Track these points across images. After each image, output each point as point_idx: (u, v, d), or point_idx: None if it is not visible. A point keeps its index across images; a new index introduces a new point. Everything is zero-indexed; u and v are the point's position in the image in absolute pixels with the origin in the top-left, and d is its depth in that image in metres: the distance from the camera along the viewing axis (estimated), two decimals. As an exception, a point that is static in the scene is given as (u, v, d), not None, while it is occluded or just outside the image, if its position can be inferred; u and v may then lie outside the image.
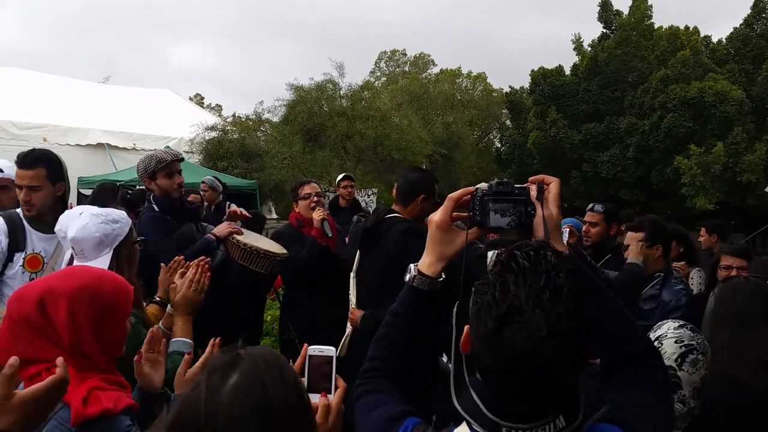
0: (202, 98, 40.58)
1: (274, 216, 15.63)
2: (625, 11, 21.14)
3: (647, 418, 1.14)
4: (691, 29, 20.74)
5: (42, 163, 2.95)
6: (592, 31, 35.56)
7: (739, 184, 17.23)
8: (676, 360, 1.84)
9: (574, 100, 21.14)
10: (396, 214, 3.42)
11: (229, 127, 16.95)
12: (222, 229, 3.78)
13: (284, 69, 66.50)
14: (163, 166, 3.67)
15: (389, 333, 1.41)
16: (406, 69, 35.27)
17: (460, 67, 32.84)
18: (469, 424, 1.08)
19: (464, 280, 1.25)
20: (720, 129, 17.93)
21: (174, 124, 16.36)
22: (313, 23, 68.03)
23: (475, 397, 1.07)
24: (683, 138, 17.97)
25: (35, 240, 2.98)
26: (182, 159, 3.94)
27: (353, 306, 3.54)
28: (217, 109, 38.08)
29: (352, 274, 3.59)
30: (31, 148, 3.09)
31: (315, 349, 1.40)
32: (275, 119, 18.56)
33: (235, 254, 3.66)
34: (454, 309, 1.22)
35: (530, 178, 1.39)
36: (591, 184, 20.39)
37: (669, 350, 1.88)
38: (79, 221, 2.31)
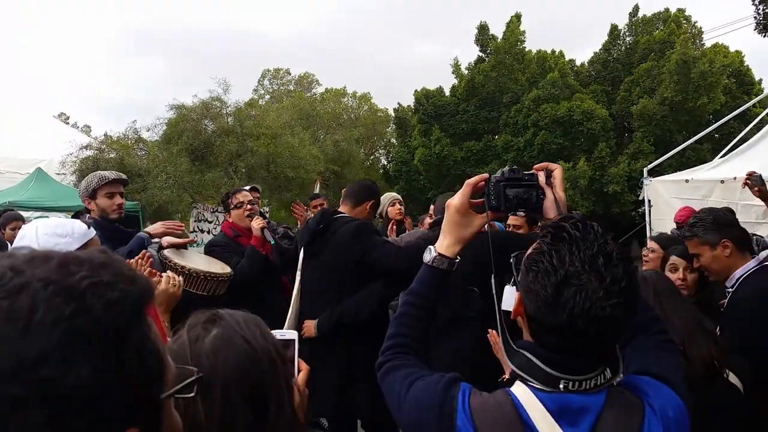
0: (68, 117, 37.79)
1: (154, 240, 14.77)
2: (500, 36, 22.48)
3: (672, 371, 1.28)
4: (557, 53, 22.49)
5: None
6: (470, 53, 37.41)
7: (606, 194, 18.81)
8: None
9: (455, 120, 22.13)
10: (343, 214, 3.48)
11: (104, 146, 15.90)
12: (156, 227, 3.58)
13: (154, 87, 63.50)
14: (105, 184, 3.50)
15: (410, 311, 1.46)
16: (291, 88, 35.10)
17: (345, 87, 33.26)
18: (524, 381, 1.17)
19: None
20: (587, 144, 19.53)
21: (42, 145, 15.09)
22: (186, 40, 65.93)
23: (530, 356, 1.17)
24: (555, 153, 19.35)
25: None
26: (127, 182, 3.74)
27: (293, 309, 3.44)
28: (85, 129, 35.62)
29: (297, 275, 3.50)
30: None
31: (277, 333, 1.39)
32: (155, 138, 17.67)
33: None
34: (492, 281, 1.32)
35: (535, 166, 1.55)
36: (474, 199, 21.33)
37: None
38: (26, 233, 2.09)
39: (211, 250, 4.20)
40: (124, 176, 3.73)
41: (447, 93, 23.25)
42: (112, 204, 3.51)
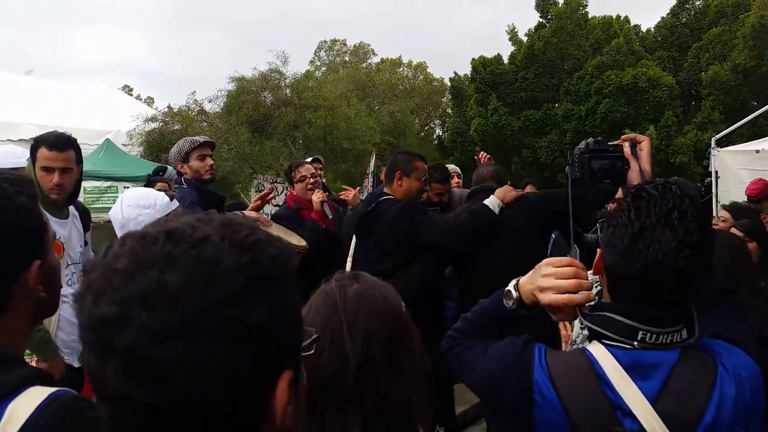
0: (131, 90, 39.05)
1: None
2: (561, 1, 21.74)
3: (745, 336, 1.32)
4: (622, 18, 21.59)
5: (72, 146, 2.93)
6: (526, 20, 36.36)
7: (672, 165, 18.13)
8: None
9: (513, 88, 21.65)
10: (388, 196, 3.57)
11: (169, 118, 16.39)
12: (251, 214, 3.80)
13: (212, 60, 64.56)
14: (196, 147, 3.71)
15: (476, 321, 1.49)
16: (347, 59, 35.05)
17: (400, 57, 32.97)
18: (600, 340, 1.24)
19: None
20: (652, 113, 18.82)
21: (109, 117, 15.67)
22: (243, 13, 66.56)
23: (607, 313, 1.23)
24: (618, 123, 18.71)
25: (54, 226, 2.85)
26: (214, 145, 3.97)
27: None
28: (148, 101, 36.78)
29: (348, 260, 3.60)
30: (54, 131, 3.01)
31: None
32: (216, 110, 18.08)
33: None
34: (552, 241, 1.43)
35: (623, 137, 1.57)
36: (530, 169, 20.97)
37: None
38: (116, 203, 2.25)
39: (275, 221, 4.36)
40: (211, 140, 3.97)
41: (505, 61, 22.75)
42: (204, 165, 3.73)
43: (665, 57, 20.18)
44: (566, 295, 1.26)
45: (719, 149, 8.70)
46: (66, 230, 2.91)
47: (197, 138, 3.82)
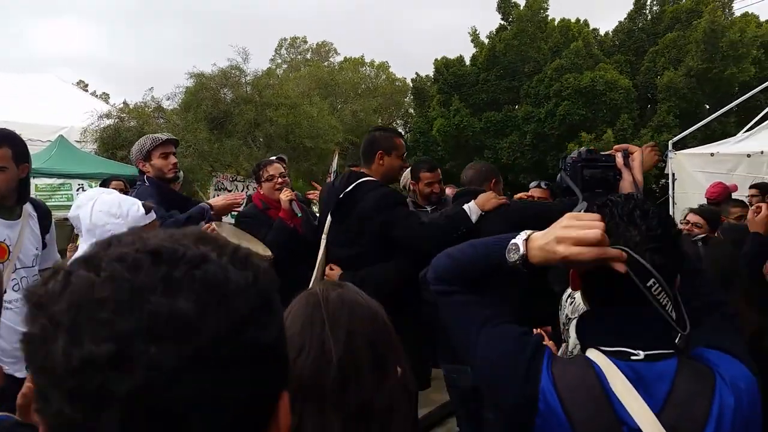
0: (86, 85, 37.91)
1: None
2: (522, 3, 22.00)
3: (741, 347, 1.31)
4: (581, 22, 22.00)
5: (7, 142, 2.71)
6: (488, 22, 36.78)
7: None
8: None
9: (475, 90, 21.81)
10: (367, 177, 3.40)
11: (125, 114, 15.97)
12: (218, 200, 3.65)
13: (172, 57, 63.39)
14: (159, 145, 3.57)
15: (466, 266, 1.35)
16: (308, 57, 34.82)
17: (363, 56, 32.92)
18: (597, 348, 1.24)
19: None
20: (609, 116, 19.21)
21: (63, 112, 15.18)
22: (202, 10, 65.43)
23: (597, 322, 1.27)
24: (576, 125, 19.06)
25: None
26: (178, 142, 3.82)
27: (317, 274, 3.42)
28: (104, 97, 35.74)
29: (323, 237, 3.48)
30: None
31: None
32: (174, 106, 17.69)
33: None
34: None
35: (615, 147, 1.59)
36: (493, 170, 21.16)
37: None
38: (83, 203, 2.12)
39: (241, 221, 4.24)
40: (174, 137, 3.83)
41: (467, 62, 22.90)
42: (167, 164, 3.58)
43: (622, 61, 20.64)
44: (595, 249, 1.13)
45: (676, 152, 8.91)
46: (14, 231, 2.72)
47: (159, 135, 3.68)
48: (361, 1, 65.17)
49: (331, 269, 3.40)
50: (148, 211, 2.24)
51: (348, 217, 3.36)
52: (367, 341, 1.10)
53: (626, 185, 1.53)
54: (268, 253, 3.67)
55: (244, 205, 4.72)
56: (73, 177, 10.48)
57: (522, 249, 1.22)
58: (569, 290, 2.12)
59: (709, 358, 1.24)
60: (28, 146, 4.73)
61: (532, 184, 4.29)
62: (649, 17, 21.52)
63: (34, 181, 10.08)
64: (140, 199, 3.27)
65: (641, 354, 1.17)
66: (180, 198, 3.69)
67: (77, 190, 10.02)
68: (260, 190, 4.39)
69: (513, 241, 1.24)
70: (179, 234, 0.62)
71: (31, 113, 14.21)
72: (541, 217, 2.82)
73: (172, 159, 3.62)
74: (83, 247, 2.08)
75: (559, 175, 1.56)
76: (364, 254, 3.31)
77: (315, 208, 4.97)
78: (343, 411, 1.03)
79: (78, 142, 13.60)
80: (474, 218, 3.19)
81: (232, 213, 4.65)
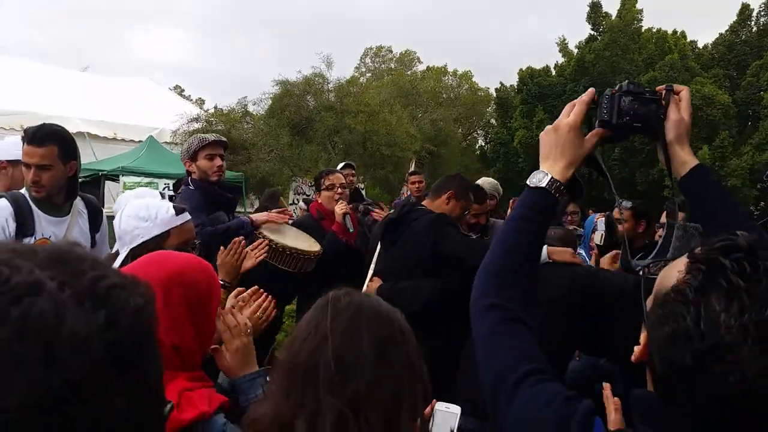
0: (182, 90, 39.92)
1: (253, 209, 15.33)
2: (614, 14, 21.19)
3: None
4: (678, 33, 20.91)
5: (54, 140, 2.69)
6: (576, 32, 35.77)
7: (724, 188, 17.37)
8: None
9: (561, 101, 21.14)
10: (422, 207, 3.35)
11: (213, 119, 16.60)
12: (261, 216, 3.61)
13: (263, 63, 65.67)
14: (205, 145, 3.51)
15: (519, 241, 1.23)
16: (392, 66, 35.00)
17: (446, 65, 32.75)
18: None
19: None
20: (706, 132, 18.09)
21: (156, 114, 15.94)
22: (293, 19, 67.45)
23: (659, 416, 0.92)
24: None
25: (44, 224, 2.72)
26: (227, 144, 3.73)
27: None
28: (199, 102, 37.52)
29: (371, 268, 3.39)
30: (43, 122, 2.81)
31: (441, 405, 1.51)
32: (260, 112, 18.25)
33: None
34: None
35: (658, 87, 1.32)
36: (575, 185, 20.44)
37: None
38: (120, 206, 2.11)
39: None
40: (224, 138, 3.73)
41: (553, 72, 22.29)
42: (212, 165, 3.50)
43: (721, 75, 19.41)
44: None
45: (779, 173, 8.20)
46: (61, 228, 2.76)
47: (207, 136, 3.59)
48: (447, 9, 65.05)
49: (372, 281, 3.29)
50: (180, 212, 2.17)
51: (396, 242, 3.24)
52: (371, 335, 1.10)
53: (671, 125, 1.27)
54: (316, 248, 3.60)
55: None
56: (159, 176, 10.92)
57: (547, 173, 1.24)
58: None
59: None
60: (120, 145, 4.88)
61: (625, 203, 3.99)
62: (755, 29, 20.13)
63: (122, 179, 10.62)
64: (185, 202, 3.28)
65: None
66: (227, 199, 3.60)
67: (163, 188, 10.42)
68: (318, 198, 4.31)
69: (532, 181, 1.25)
70: (25, 250, 0.47)
71: (125, 114, 15.04)
72: (606, 295, 2.51)
73: (218, 161, 3.52)
74: (118, 259, 2.03)
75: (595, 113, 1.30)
76: (414, 276, 3.17)
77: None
78: (340, 398, 1.04)
79: (168, 143, 14.23)
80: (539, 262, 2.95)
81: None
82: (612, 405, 1.84)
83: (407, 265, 3.17)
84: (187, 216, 2.19)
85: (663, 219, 3.72)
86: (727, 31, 20.64)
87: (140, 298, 0.48)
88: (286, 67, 70.34)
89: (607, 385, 1.96)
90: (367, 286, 3.29)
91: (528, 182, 1.26)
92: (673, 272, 0.91)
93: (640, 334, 1.00)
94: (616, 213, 3.92)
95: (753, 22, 20.30)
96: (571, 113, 1.30)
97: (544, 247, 2.94)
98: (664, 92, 1.29)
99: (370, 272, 3.37)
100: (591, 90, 1.30)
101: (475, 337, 1.15)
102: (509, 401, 1.02)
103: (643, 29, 20.97)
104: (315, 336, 1.10)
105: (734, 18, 20.44)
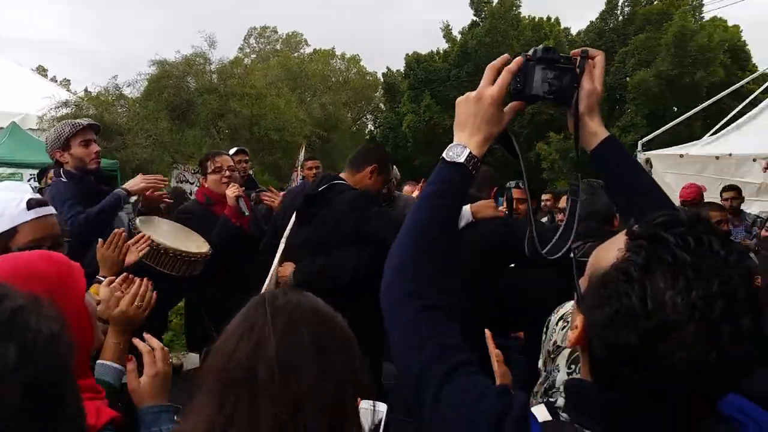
0: (45, 70, 36.66)
1: (133, 199, 14.40)
2: (495, 0, 21.94)
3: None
4: (553, 20, 22.05)
5: None
6: (462, 17, 36.76)
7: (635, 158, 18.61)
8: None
9: (446, 86, 21.68)
10: (342, 182, 3.15)
11: (84, 102, 15.39)
12: (136, 181, 3.28)
13: (137, 41, 61.76)
14: (78, 131, 3.16)
15: (437, 218, 1.13)
16: (278, 47, 34.24)
17: (333, 48, 32.48)
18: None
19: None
20: (579, 116, 19.25)
21: (18, 98, 14.52)
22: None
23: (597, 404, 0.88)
24: (545, 124, 19.07)
25: None
26: (99, 128, 3.39)
27: (273, 271, 3.11)
28: (64, 83, 34.67)
29: (282, 241, 3.18)
30: None
31: (364, 403, 1.35)
32: (136, 95, 17.15)
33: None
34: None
35: (573, 51, 1.26)
36: (462, 167, 21.13)
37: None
38: None
39: (180, 218, 3.85)
40: (96, 123, 3.41)
41: (439, 58, 22.77)
42: (89, 153, 3.20)
43: (592, 61, 20.76)
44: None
45: (645, 153, 8.85)
46: None
47: (79, 121, 3.28)
48: (334, -6, 64.63)
49: (282, 266, 3.12)
50: (35, 206, 1.88)
51: (317, 216, 3.09)
52: (312, 336, 1.03)
53: (584, 94, 1.22)
54: (205, 249, 3.35)
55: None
56: (24, 166, 9.96)
57: (465, 147, 1.17)
58: (562, 310, 1.71)
59: (733, 414, 0.92)
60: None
61: (511, 183, 4.06)
62: (621, 18, 21.65)
63: (-21, 170, 9.56)
64: (55, 198, 2.92)
65: None
66: (104, 193, 3.29)
67: (29, 180, 9.51)
68: (205, 183, 4.02)
69: (448, 155, 1.17)
70: None
71: (-17, 98, 13.54)
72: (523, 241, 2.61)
73: (94, 147, 3.22)
74: None
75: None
76: (331, 253, 3.04)
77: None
78: (278, 403, 0.97)
79: (34, 130, 13.01)
80: (462, 223, 2.94)
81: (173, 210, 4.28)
82: (495, 357, 1.81)
83: (326, 240, 3.02)
84: (44, 210, 1.91)
85: (562, 203, 3.81)
86: (597, 18, 22.05)
87: (57, 326, 0.40)
88: (164, 46, 66.75)
89: (489, 334, 1.89)
90: (280, 268, 3.10)
91: (444, 156, 1.19)
92: (611, 251, 0.86)
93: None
94: (516, 192, 3.96)
95: (619, 11, 21.82)
96: (495, 84, 1.20)
97: (467, 207, 2.96)
98: (578, 59, 1.23)
99: (281, 247, 3.16)
100: (519, 59, 1.22)
101: (390, 330, 1.06)
102: (435, 398, 0.94)
103: (521, 16, 21.88)
104: (251, 337, 1.01)
105: (603, 7, 21.86)
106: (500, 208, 3.33)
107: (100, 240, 2.44)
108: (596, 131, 1.24)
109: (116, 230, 2.51)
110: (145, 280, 1.93)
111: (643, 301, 0.77)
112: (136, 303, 1.81)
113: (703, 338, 0.75)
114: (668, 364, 0.76)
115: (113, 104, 16.08)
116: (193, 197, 4.39)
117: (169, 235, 3.29)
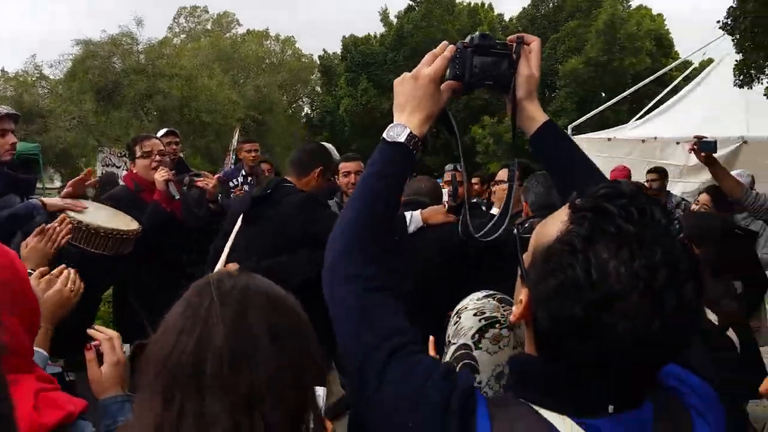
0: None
1: (57, 185, 13.72)
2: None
3: (699, 356, 1.01)
4: (487, 6, 22.34)
5: None
6: (399, 1, 36.71)
7: (527, 151, 19.10)
8: (472, 336, 1.48)
9: (383, 70, 21.66)
10: (290, 184, 3.12)
11: (1, 83, 14.54)
12: (55, 202, 3.06)
13: (60, 22, 58.56)
14: None
15: (378, 199, 1.12)
16: (209, 27, 33.20)
17: (267, 29, 31.76)
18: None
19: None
20: (512, 101, 19.70)
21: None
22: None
23: (549, 380, 0.87)
24: (479, 109, 19.39)
25: None
26: (19, 117, 3.15)
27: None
28: (-21, 62, 32.54)
29: (227, 244, 3.09)
30: None
31: None
32: (59, 76, 16.32)
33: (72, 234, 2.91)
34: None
35: (509, 37, 1.24)
36: (399, 152, 21.27)
37: (466, 324, 1.54)
38: None
39: (107, 204, 3.67)
40: (15, 112, 3.16)
41: (376, 41, 22.69)
42: (3, 144, 2.96)
43: (526, 47, 21.24)
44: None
45: (574, 137, 9.12)
46: None
47: None
48: (268, -27, 63.09)
49: (225, 267, 3.06)
50: None
51: (263, 218, 3.04)
52: (262, 321, 0.94)
53: (521, 81, 1.22)
54: (134, 226, 3.22)
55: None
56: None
57: (405, 127, 1.14)
58: (459, 305, 1.67)
59: (672, 384, 0.95)
60: None
61: (448, 167, 4.10)
62: (552, 5, 22.16)
63: None
64: None
65: (611, 408, 0.84)
66: (21, 182, 3.09)
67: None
68: (133, 168, 3.83)
69: (389, 135, 1.14)
70: None
71: None
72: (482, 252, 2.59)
73: (11, 138, 3.01)
74: None
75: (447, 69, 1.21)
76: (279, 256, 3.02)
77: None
78: (231, 396, 0.89)
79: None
80: (412, 228, 2.93)
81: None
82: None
83: (273, 243, 2.98)
84: None
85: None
86: (529, 5, 22.49)
87: None
88: (88, 25, 63.53)
89: (432, 341, 1.88)
90: (224, 268, 3.01)
91: (384, 136, 1.16)
92: (554, 225, 0.85)
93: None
94: (459, 175, 3.99)
95: (550, -1, 22.37)
96: (432, 65, 1.20)
97: (417, 212, 2.97)
98: (515, 45, 1.23)
99: (227, 248, 3.07)
100: (452, 46, 1.21)
101: (333, 312, 1.03)
102: (380, 380, 0.92)
103: (456, 1, 22.05)
104: (195, 326, 0.92)
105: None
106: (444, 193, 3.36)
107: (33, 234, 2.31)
108: (535, 116, 1.24)
109: (45, 226, 2.38)
110: (70, 269, 1.84)
111: (588, 272, 0.77)
112: (68, 286, 1.75)
113: (646, 308, 0.75)
114: (612, 334, 0.76)
115: (33, 85, 15.22)
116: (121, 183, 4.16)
117: (97, 215, 3.14)
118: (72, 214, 2.87)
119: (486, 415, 0.86)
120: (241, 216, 3.13)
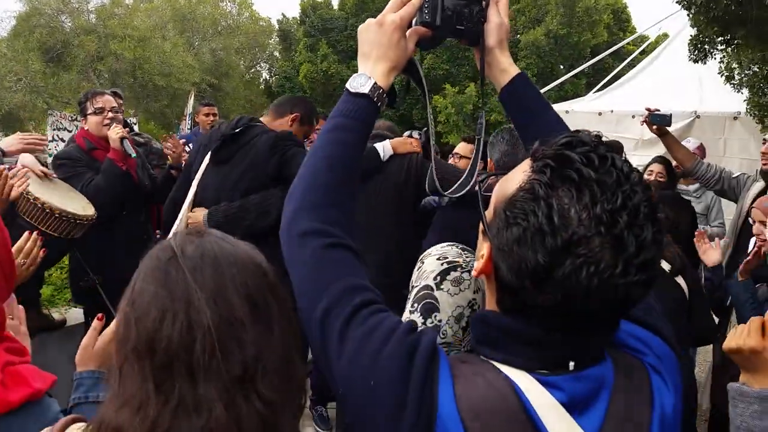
0: None
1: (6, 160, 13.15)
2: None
3: (655, 314, 1.03)
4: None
5: None
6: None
7: (488, 122, 19.17)
8: (434, 278, 1.48)
9: (344, 36, 21.30)
10: (260, 124, 3.06)
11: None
12: (12, 141, 2.94)
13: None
14: None
15: (342, 153, 1.07)
16: (163, -13, 31.95)
17: (224, -9, 30.72)
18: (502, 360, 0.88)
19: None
20: (472, 72, 19.67)
21: None
22: None
23: (511, 337, 0.87)
24: (440, 79, 19.33)
25: None
26: None
27: (183, 216, 2.91)
28: None
29: (195, 181, 2.99)
30: None
31: None
32: (2, 34, 15.51)
33: (23, 208, 2.76)
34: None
35: None
36: (359, 120, 21.12)
37: (428, 268, 1.53)
38: None
39: (59, 164, 3.53)
40: None
41: (336, 6, 22.25)
42: None
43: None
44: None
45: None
46: None
47: None
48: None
49: (193, 211, 2.96)
50: None
51: (233, 158, 2.95)
52: (241, 294, 0.90)
53: (491, 27, 1.19)
54: (90, 212, 3.11)
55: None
56: None
57: (369, 78, 1.09)
58: (423, 253, 1.68)
59: (629, 343, 0.96)
60: None
61: (406, 133, 4.08)
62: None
63: None
64: None
65: (571, 365, 0.85)
66: None
67: None
68: (85, 125, 3.69)
69: (351, 86, 1.10)
70: None
71: None
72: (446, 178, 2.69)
73: None
74: None
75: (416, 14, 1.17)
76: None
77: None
78: (226, 378, 0.86)
79: None
80: (384, 157, 3.11)
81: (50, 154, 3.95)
82: None
83: (244, 183, 2.91)
84: None
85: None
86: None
87: None
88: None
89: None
90: (191, 214, 2.92)
91: (348, 87, 1.11)
92: (516, 176, 0.85)
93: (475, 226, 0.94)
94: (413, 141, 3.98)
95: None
96: (397, 9, 1.13)
97: (387, 142, 3.15)
98: None
99: (191, 192, 2.96)
100: None
101: (290, 269, 0.99)
102: (341, 339, 0.89)
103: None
104: (178, 305, 0.87)
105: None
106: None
107: None
108: (506, 68, 1.21)
109: (0, 167, 2.29)
110: (34, 234, 1.76)
111: (550, 218, 0.77)
112: (19, 260, 1.63)
113: (608, 251, 0.76)
114: (574, 281, 0.77)
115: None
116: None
117: (54, 192, 3.02)
118: (31, 187, 2.76)
119: (449, 374, 0.86)
120: (209, 155, 3.03)
